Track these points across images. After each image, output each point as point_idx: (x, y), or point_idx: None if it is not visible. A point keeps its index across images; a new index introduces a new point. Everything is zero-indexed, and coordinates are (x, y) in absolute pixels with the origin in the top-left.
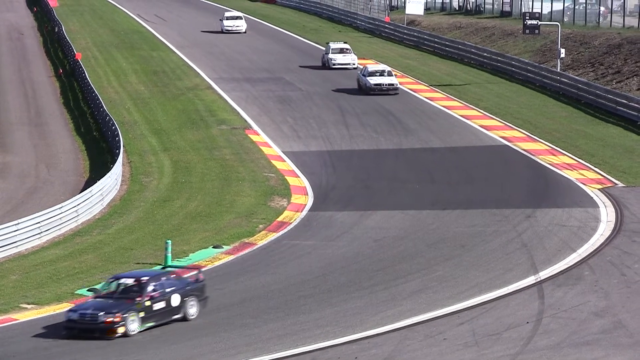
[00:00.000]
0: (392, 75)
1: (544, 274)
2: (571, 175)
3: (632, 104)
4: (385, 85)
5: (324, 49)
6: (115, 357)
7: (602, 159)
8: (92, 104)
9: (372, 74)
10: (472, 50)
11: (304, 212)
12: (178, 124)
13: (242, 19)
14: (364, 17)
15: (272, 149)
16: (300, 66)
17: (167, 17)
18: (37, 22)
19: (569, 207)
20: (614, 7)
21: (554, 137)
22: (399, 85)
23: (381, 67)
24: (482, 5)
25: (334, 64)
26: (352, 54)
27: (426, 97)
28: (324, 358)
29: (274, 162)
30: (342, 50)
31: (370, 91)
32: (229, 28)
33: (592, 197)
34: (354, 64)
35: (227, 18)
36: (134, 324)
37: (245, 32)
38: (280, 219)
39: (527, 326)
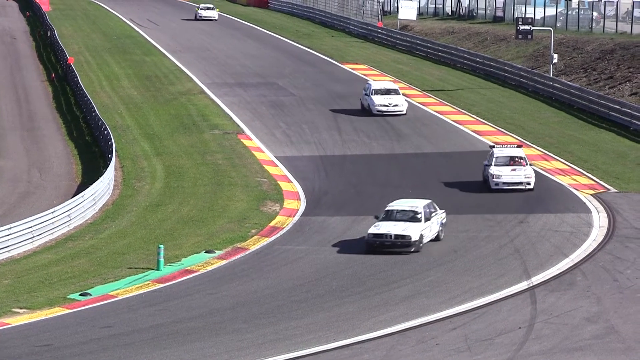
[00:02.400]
0: None
1: (537, 279)
2: (564, 180)
3: (625, 109)
4: None
5: (488, 152)
6: None
7: (594, 165)
8: (84, 109)
9: None
10: (465, 55)
11: (297, 217)
12: (170, 129)
13: (398, 92)
14: (357, 22)
15: (265, 154)
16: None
17: (160, 22)
18: (29, 26)
19: (562, 212)
20: (606, 12)
21: (547, 142)
22: None
23: None
24: (475, 11)
25: (496, 184)
26: (528, 167)
27: (419, 102)
28: None
29: (267, 167)
30: (513, 160)
31: None
32: (382, 108)
33: (584, 203)
34: (528, 182)
35: (377, 92)
36: None
37: (405, 114)
38: (272, 223)
39: (519, 331)
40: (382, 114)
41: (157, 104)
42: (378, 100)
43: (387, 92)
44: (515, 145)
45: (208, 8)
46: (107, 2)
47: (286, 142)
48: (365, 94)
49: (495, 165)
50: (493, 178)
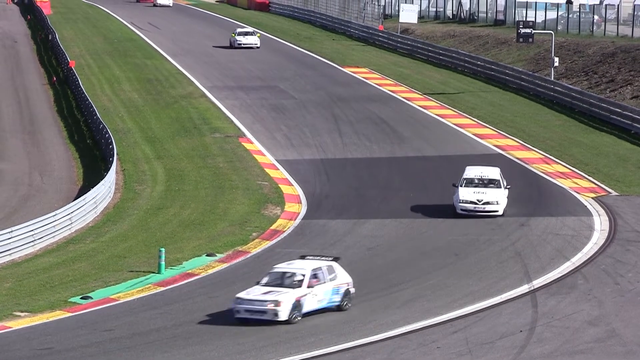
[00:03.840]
0: None
1: (538, 282)
2: (565, 183)
3: (626, 112)
4: None
5: None
6: None
7: (595, 168)
8: (85, 112)
9: None
10: (466, 58)
11: (298, 221)
12: (171, 132)
13: (500, 184)
14: (358, 25)
15: (266, 157)
16: None
17: (161, 25)
18: (30, 29)
19: (563, 215)
20: (607, 15)
21: (548, 145)
22: None
23: None
24: (476, 14)
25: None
26: None
27: (420, 106)
28: None
29: (268, 171)
30: None
31: None
32: (469, 206)
33: (585, 206)
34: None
35: (469, 182)
36: None
37: (502, 215)
38: (273, 227)
39: (520, 335)
40: (468, 214)
41: (158, 107)
42: (466, 194)
43: (484, 183)
44: None
45: (247, 33)
46: (108, 6)
47: (287, 145)
48: (454, 185)
49: None
50: None
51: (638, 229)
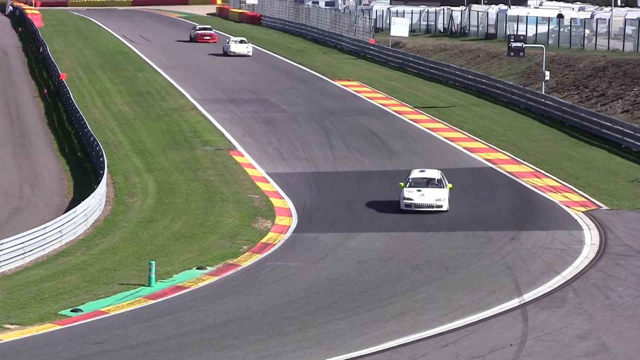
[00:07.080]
0: None
1: (528, 296)
2: (555, 197)
3: (617, 126)
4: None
5: None
6: None
7: (586, 182)
8: (76, 125)
9: None
10: (457, 72)
11: (288, 234)
12: (162, 145)
13: None
14: (349, 39)
15: (257, 170)
16: None
17: (152, 38)
18: (21, 42)
19: (553, 229)
20: (598, 29)
21: (538, 159)
22: None
23: None
24: (467, 28)
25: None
26: None
27: (410, 119)
28: None
29: (258, 184)
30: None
31: None
32: None
33: (576, 220)
34: None
35: None
36: None
37: None
38: (264, 240)
39: (510, 349)
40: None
41: (149, 120)
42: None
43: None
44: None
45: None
46: (99, 18)
47: (278, 158)
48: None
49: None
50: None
51: (628, 243)
